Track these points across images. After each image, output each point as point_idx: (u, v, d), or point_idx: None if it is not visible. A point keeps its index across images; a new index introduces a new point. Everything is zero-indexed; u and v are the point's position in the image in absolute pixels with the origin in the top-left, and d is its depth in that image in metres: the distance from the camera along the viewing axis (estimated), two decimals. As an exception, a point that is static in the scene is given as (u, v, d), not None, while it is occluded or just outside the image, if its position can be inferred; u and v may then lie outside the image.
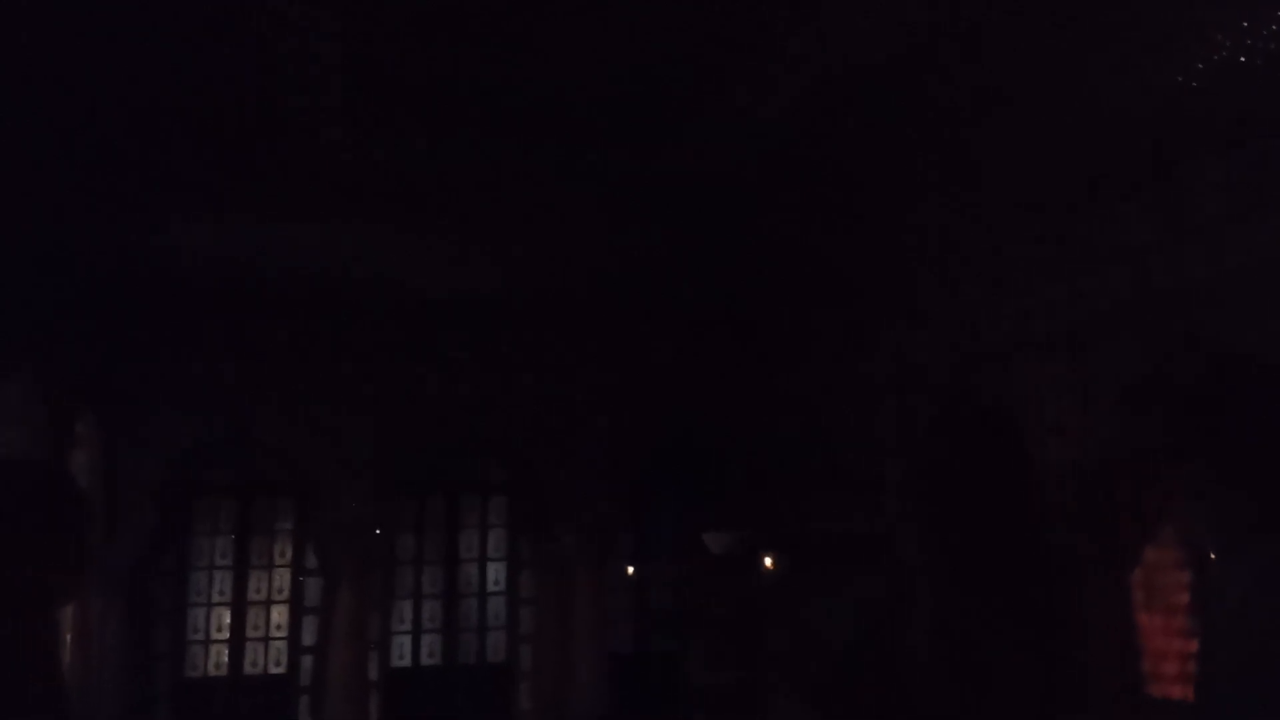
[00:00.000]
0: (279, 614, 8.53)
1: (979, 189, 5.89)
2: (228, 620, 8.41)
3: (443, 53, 5.25)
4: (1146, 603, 5.74)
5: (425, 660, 8.87)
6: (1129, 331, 5.09)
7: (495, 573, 9.18)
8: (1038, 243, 5.66)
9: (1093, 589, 5.49)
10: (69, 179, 5.87)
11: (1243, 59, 4.49)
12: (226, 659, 8.37)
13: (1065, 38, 4.70)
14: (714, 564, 7.76)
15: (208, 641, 8.38)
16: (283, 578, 8.59)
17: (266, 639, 8.48)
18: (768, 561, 7.32)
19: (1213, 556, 4.67)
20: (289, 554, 8.61)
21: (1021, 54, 4.89)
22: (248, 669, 8.40)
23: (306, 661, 8.47)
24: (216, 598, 8.41)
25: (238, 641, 8.42)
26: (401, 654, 8.84)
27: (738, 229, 7.44)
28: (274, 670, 8.46)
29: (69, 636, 6.77)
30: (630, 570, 9.12)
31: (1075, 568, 5.57)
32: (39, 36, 4.60)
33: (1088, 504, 5.41)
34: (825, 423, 7.82)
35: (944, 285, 6.44)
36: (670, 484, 9.40)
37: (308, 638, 8.48)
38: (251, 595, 8.49)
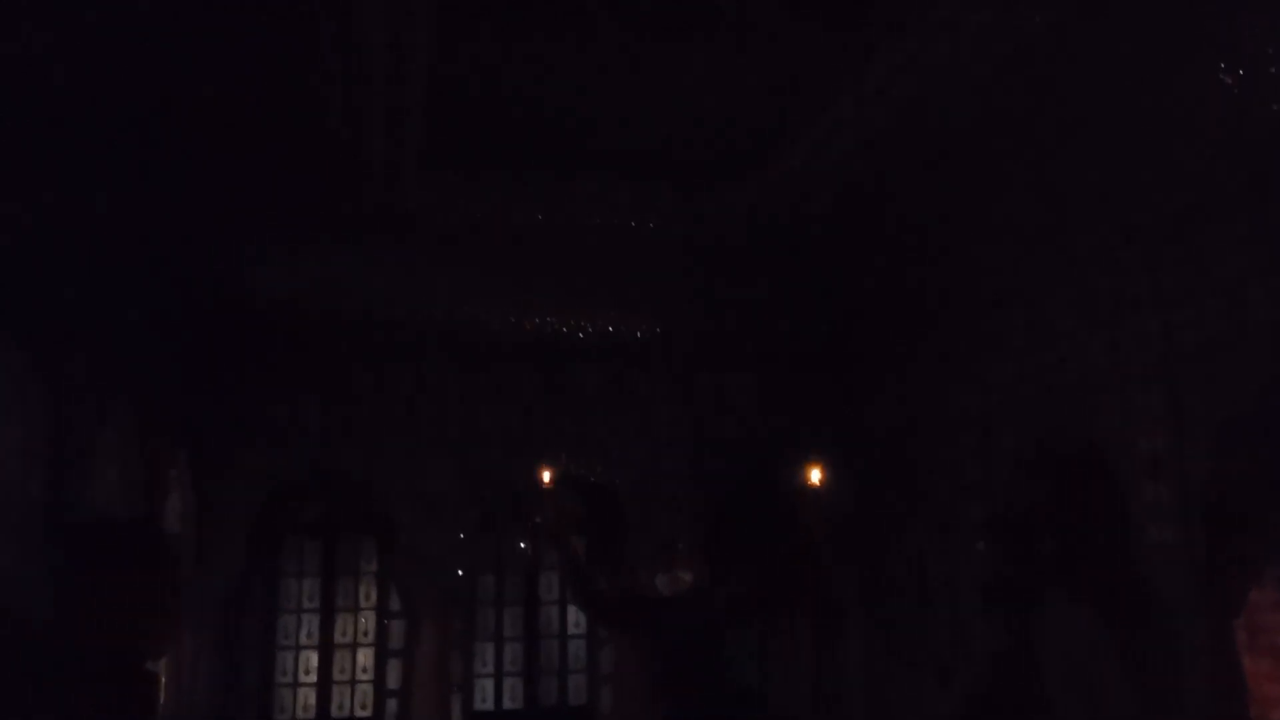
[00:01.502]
0: (364, 657, 8.60)
1: (1066, 219, 5.79)
2: (315, 663, 8.50)
3: (525, 96, 5.35)
4: (1250, 646, 5.52)
5: (507, 704, 8.86)
6: (1226, 365, 4.93)
7: (575, 614, 9.15)
8: (1128, 274, 5.53)
9: (1193, 633, 5.29)
10: (164, 222, 6.06)
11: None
12: (314, 702, 8.45)
13: (1155, 60, 4.62)
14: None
15: (295, 684, 8.47)
16: (368, 620, 8.66)
17: (353, 682, 8.55)
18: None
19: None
20: (374, 596, 8.70)
21: (1109, 79, 4.81)
22: (335, 712, 8.47)
23: (392, 705, 8.52)
24: (304, 640, 8.51)
25: (324, 684, 8.50)
26: (484, 697, 8.84)
27: (819, 266, 7.41)
28: (360, 714, 8.52)
29: (163, 682, 6.89)
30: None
31: (1174, 611, 5.38)
32: (139, 86, 4.78)
33: (1186, 544, 5.23)
34: (910, 461, 7.70)
35: (1031, 318, 6.32)
36: (753, 523, 9.30)
37: (392, 681, 8.53)
38: (338, 638, 8.58)
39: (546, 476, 6.44)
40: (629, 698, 8.82)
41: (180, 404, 6.97)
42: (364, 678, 8.54)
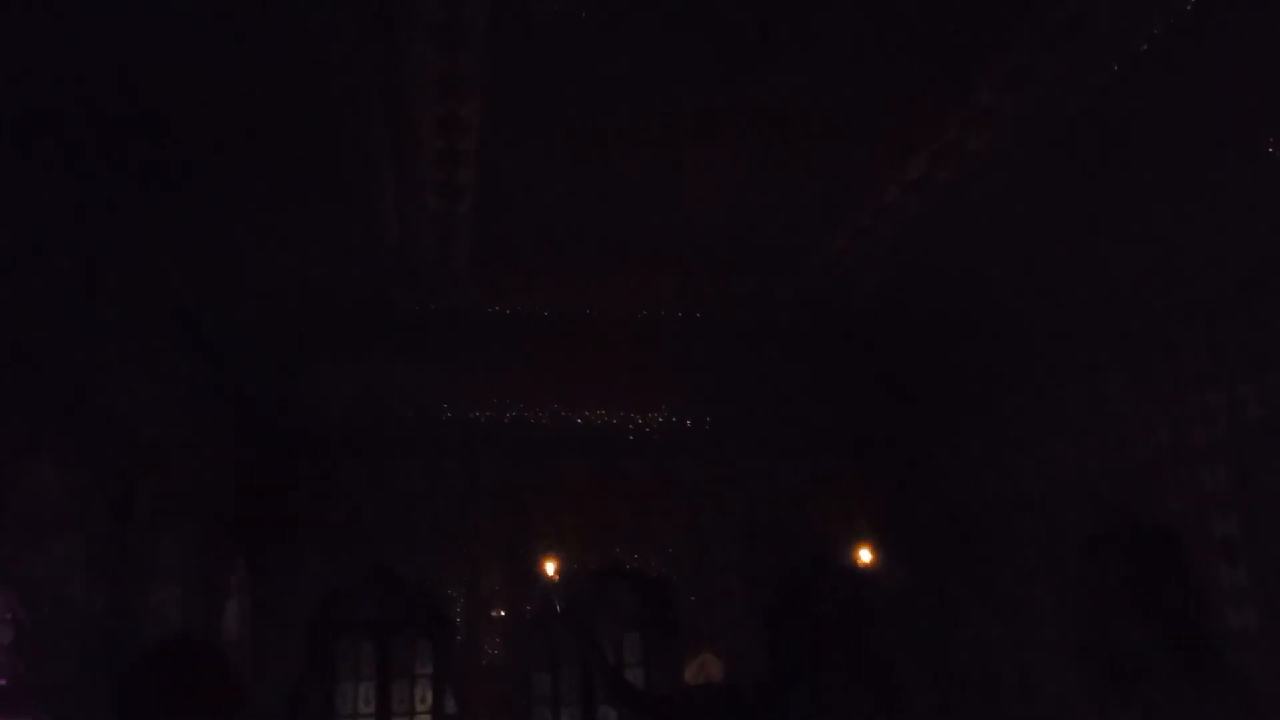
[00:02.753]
0: (421, 761, 8.48)
1: (1121, 296, 5.74)
2: (372, 769, 8.38)
3: (572, 193, 5.42)
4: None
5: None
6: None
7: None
8: (1189, 350, 5.44)
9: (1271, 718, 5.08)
10: (219, 334, 6.17)
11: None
12: (372, 808, 8.32)
13: (1203, 133, 4.60)
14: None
15: (353, 790, 8.35)
16: (425, 724, 8.55)
17: (410, 788, 8.42)
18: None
19: None
20: (429, 699, 8.59)
21: (1157, 153, 4.80)
22: (394, 815, 8.32)
23: (450, 811, 8.36)
24: (360, 745, 8.40)
25: (382, 791, 8.37)
26: (543, 797, 8.65)
27: (870, 350, 7.37)
28: (419, 816, 8.37)
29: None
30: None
31: (1252, 698, 5.18)
32: (198, 204, 4.91)
33: (1265, 627, 5.05)
34: (969, 546, 7.56)
35: (1089, 397, 6.23)
36: (808, 613, 9.14)
37: (450, 786, 8.38)
38: (394, 742, 8.46)
39: (550, 568, 6.36)
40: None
41: (239, 510, 7.02)
42: (421, 784, 8.40)
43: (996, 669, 7.17)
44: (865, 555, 8.26)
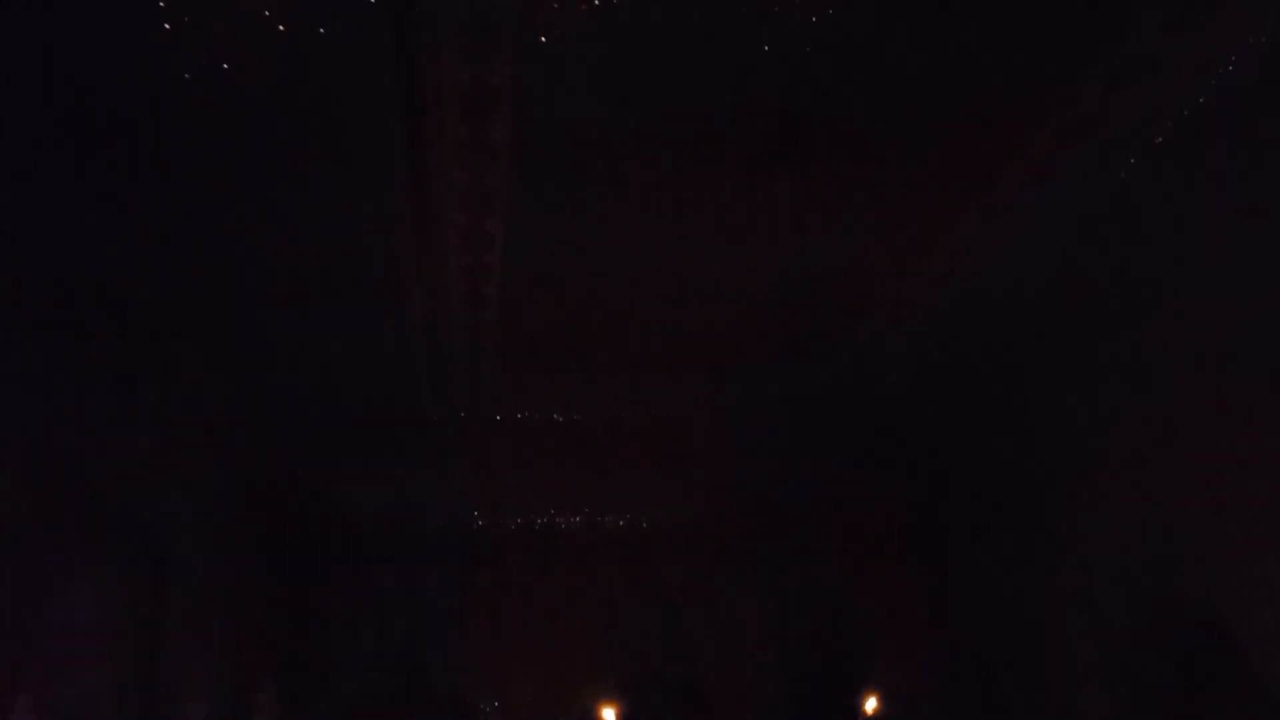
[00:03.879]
0: None
1: (1157, 384, 5.65)
2: None
3: (596, 300, 5.45)
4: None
5: None
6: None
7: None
8: (1228, 436, 5.34)
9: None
10: (253, 443, 6.20)
11: None
12: None
13: (1236, 219, 4.58)
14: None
15: None
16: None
17: None
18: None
19: None
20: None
21: (1182, 235, 4.78)
22: None
23: None
24: None
25: None
26: None
27: (903, 443, 7.29)
28: None
29: None
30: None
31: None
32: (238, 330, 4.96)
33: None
34: (1013, 644, 7.35)
35: (1129, 488, 6.10)
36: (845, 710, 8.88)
37: None
38: None
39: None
40: None
41: (270, 624, 6.95)
42: None
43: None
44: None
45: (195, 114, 3.66)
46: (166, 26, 3.25)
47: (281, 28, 3.29)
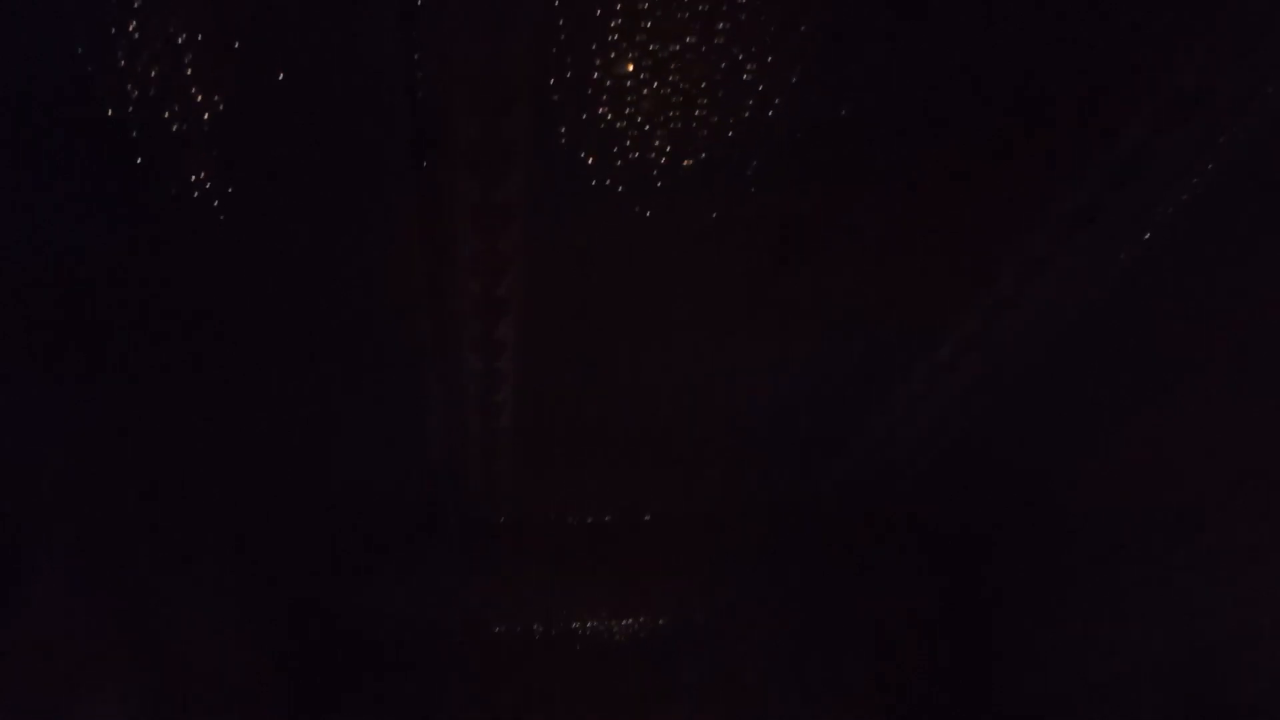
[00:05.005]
0: None
1: (1172, 470, 5.66)
2: None
3: (611, 398, 5.53)
4: None
5: None
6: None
7: None
8: (1247, 523, 5.32)
9: None
10: (273, 559, 6.24)
11: None
12: None
13: (1242, 297, 4.63)
14: None
15: None
16: None
17: None
18: None
19: None
20: None
21: (1188, 328, 4.83)
22: None
23: None
24: None
25: None
26: None
27: (922, 538, 7.28)
28: None
29: None
30: None
31: None
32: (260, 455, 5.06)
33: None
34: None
35: (1152, 577, 6.06)
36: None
37: None
38: None
39: None
40: None
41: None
42: None
43: None
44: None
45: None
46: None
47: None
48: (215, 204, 3.54)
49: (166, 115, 3.24)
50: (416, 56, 3.12)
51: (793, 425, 6.02)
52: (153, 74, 3.01)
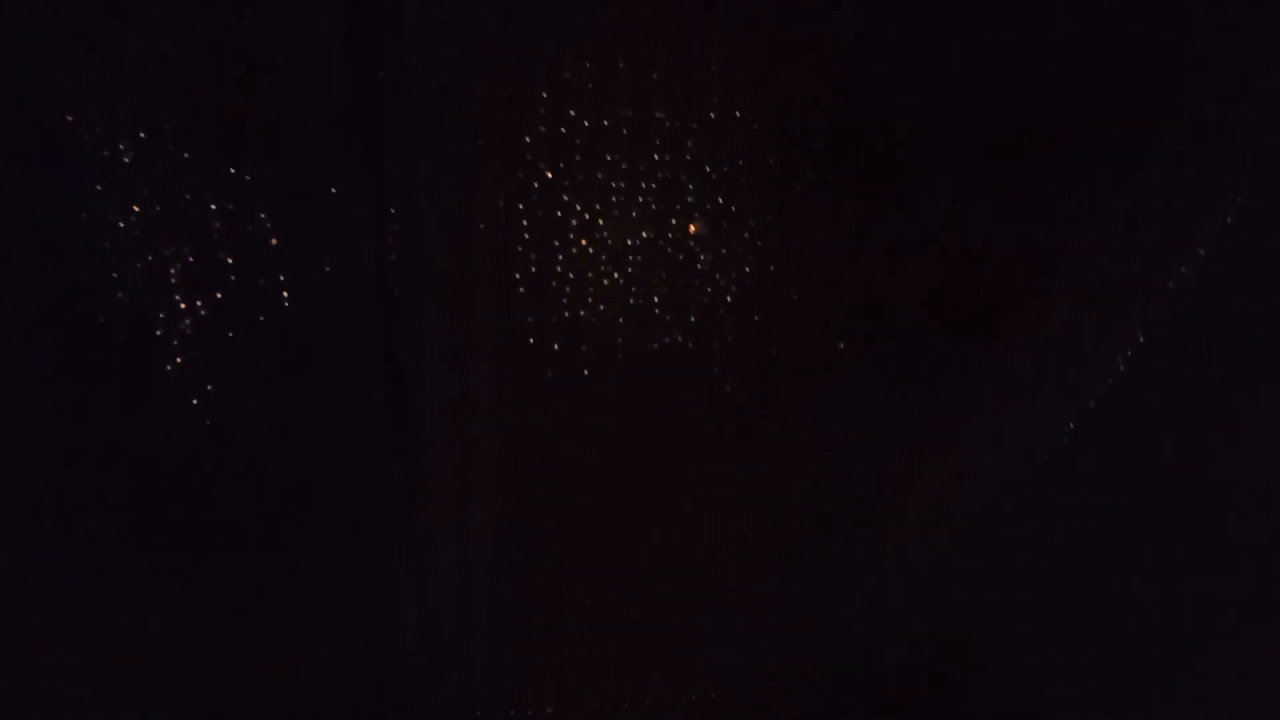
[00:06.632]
0: None
1: (1184, 599, 5.62)
2: None
3: (585, 592, 5.52)
4: None
5: None
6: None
7: None
8: (1265, 650, 5.30)
9: None
10: None
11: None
12: None
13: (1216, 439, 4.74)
14: None
15: None
16: None
17: None
18: None
19: None
20: None
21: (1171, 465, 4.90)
22: None
23: None
24: None
25: None
26: None
27: (909, 686, 7.16)
28: None
29: None
30: None
31: None
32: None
33: None
34: None
35: (1165, 686, 5.94)
36: None
37: None
38: None
39: None
40: None
41: None
42: None
43: None
44: None
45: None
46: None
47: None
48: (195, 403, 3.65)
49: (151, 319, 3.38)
50: (391, 258, 3.30)
51: (770, 604, 5.99)
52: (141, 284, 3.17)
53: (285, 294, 3.39)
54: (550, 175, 3.32)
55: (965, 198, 3.56)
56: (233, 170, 3.15)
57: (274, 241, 3.22)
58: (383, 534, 4.65)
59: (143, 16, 2.93)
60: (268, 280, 3.30)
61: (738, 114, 3.43)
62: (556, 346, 3.74)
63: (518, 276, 3.45)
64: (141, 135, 3.07)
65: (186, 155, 3.11)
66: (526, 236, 3.36)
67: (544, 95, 3.23)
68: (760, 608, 6.02)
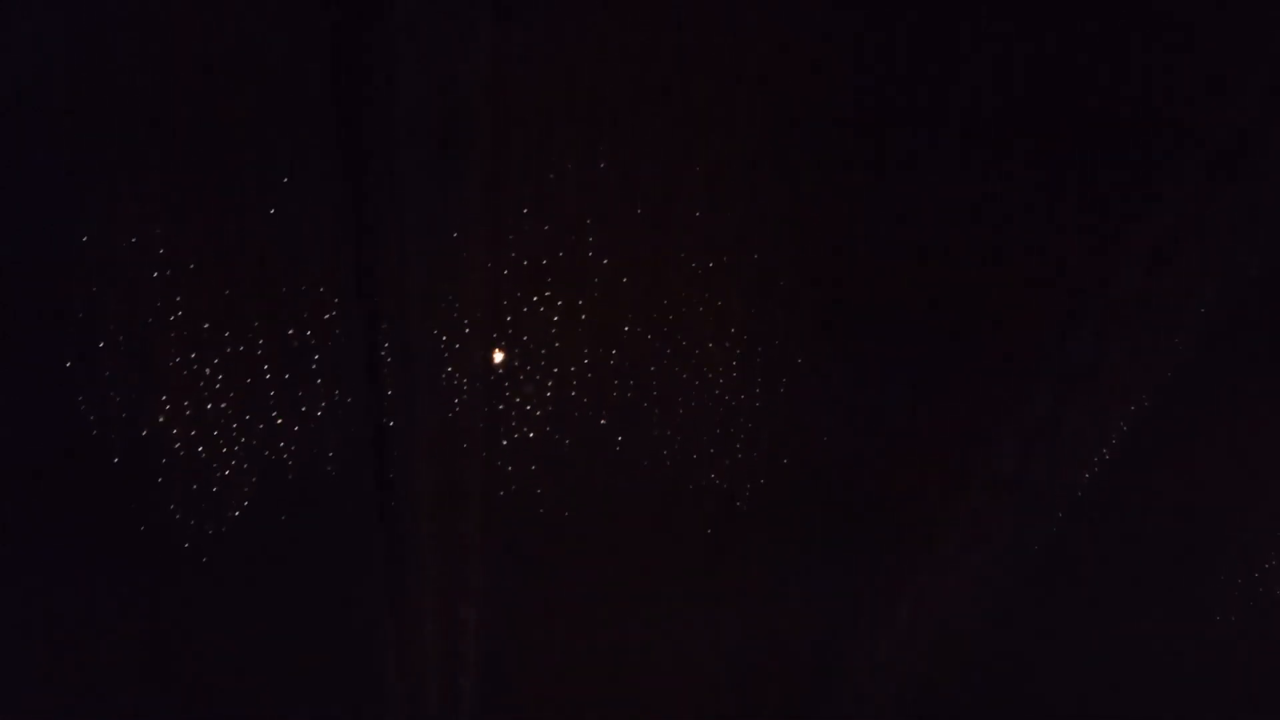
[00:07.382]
0: None
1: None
2: None
3: (575, 673, 5.54)
4: None
5: None
6: None
7: None
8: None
9: None
10: None
11: None
12: None
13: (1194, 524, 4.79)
14: None
15: None
16: None
17: None
18: None
19: None
20: None
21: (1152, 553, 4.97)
22: None
23: None
24: None
25: None
26: None
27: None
28: None
29: None
30: None
31: None
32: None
33: None
34: None
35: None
36: None
37: None
38: None
39: None
40: None
41: None
42: None
43: None
44: None
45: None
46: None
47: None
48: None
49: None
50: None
51: (761, 697, 6.02)
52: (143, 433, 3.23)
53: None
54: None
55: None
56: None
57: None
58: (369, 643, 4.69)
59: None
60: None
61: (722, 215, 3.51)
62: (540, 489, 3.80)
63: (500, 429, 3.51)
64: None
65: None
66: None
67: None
68: (757, 701, 6.04)
